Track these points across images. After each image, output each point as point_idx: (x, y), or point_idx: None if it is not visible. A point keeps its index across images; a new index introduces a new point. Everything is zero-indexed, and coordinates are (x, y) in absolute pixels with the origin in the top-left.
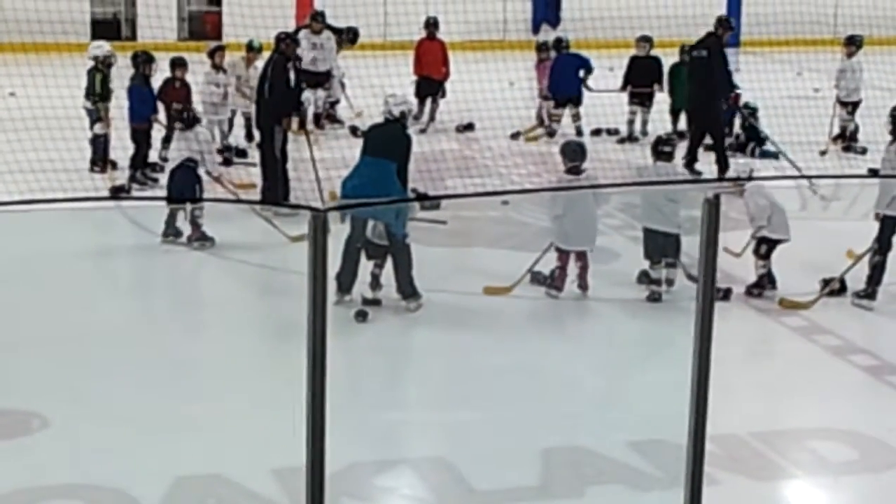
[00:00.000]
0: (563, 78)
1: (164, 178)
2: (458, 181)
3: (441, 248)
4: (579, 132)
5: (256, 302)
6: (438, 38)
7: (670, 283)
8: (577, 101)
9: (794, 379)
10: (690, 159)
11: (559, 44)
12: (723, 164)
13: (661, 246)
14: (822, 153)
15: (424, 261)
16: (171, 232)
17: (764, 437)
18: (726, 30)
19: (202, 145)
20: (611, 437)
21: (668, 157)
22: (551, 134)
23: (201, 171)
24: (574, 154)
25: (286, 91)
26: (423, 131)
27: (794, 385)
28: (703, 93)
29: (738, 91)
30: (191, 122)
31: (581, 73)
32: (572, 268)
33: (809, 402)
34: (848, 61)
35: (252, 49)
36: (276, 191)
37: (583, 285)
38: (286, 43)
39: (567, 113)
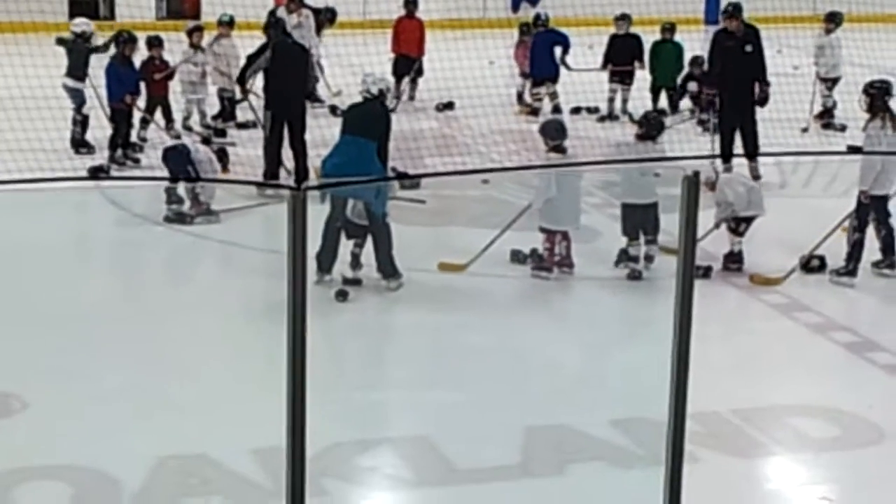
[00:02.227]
0: (540, 57)
1: (145, 159)
2: (438, 160)
3: (421, 227)
4: (557, 110)
5: (236, 281)
6: (417, 17)
7: (650, 259)
8: (553, 80)
9: (774, 356)
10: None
11: (537, 20)
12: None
13: (639, 222)
14: (804, 130)
15: (405, 240)
16: (173, 200)
17: (745, 414)
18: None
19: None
20: (592, 416)
21: (655, 136)
22: (534, 112)
23: (193, 157)
24: (556, 133)
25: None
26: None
27: (774, 362)
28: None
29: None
30: (220, 157)
31: (558, 51)
32: (556, 247)
33: (790, 379)
34: (826, 37)
35: (222, 23)
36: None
37: (567, 264)
38: (276, 31)
39: (544, 91)
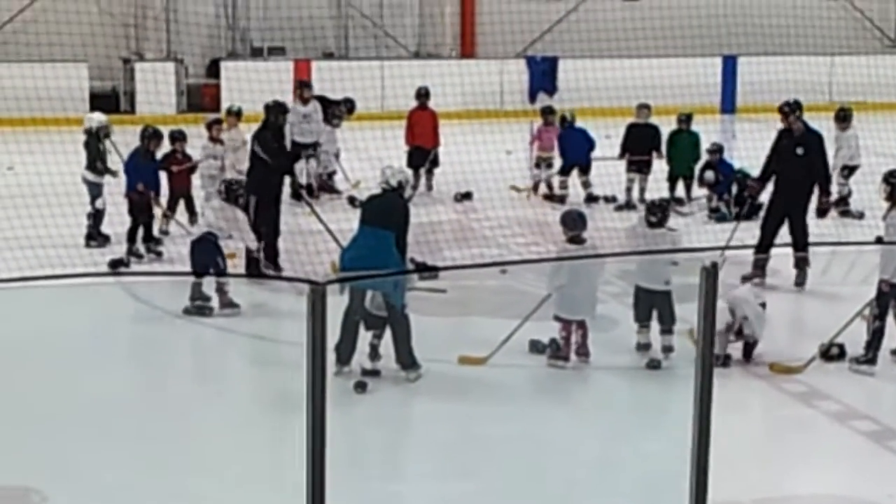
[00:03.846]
0: (571, 148)
1: (166, 252)
2: (457, 251)
3: (440, 318)
4: (590, 197)
5: (256, 374)
6: (429, 108)
7: (669, 349)
8: (585, 169)
9: (794, 445)
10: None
11: (563, 120)
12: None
13: (650, 307)
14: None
15: (424, 331)
16: (197, 296)
17: (765, 503)
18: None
19: (231, 220)
20: None
21: (661, 223)
22: (561, 200)
23: (222, 244)
24: (575, 223)
25: (278, 162)
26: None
27: (794, 451)
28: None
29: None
30: (233, 197)
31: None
32: (572, 336)
33: (810, 469)
34: (843, 134)
35: (231, 113)
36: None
37: (584, 353)
38: (275, 114)
39: (574, 182)
